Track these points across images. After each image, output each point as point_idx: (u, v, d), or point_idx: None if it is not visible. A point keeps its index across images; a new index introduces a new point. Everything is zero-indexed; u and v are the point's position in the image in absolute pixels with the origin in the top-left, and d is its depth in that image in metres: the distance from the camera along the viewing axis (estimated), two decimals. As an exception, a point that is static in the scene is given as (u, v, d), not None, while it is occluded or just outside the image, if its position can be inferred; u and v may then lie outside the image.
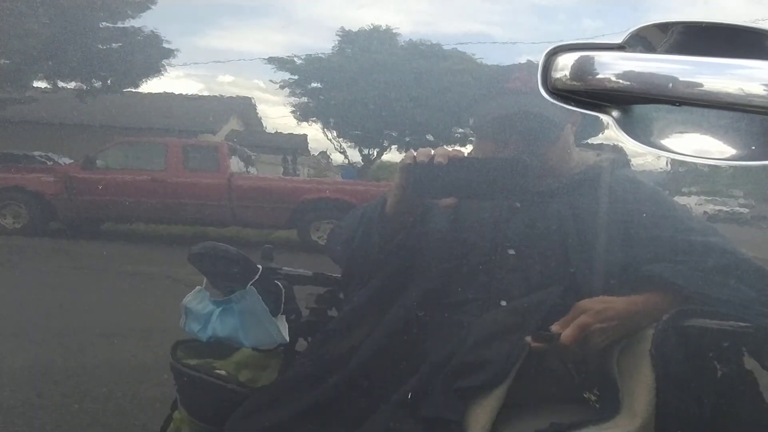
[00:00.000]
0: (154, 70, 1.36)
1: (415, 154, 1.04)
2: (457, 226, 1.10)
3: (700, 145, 0.65)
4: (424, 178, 1.03)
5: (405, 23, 1.26)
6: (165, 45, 1.34)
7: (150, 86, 1.37)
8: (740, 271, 0.94)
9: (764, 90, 0.57)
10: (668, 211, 1.03)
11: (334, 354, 1.08)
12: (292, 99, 1.34)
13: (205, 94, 1.42)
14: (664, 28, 0.67)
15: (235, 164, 1.52)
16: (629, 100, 0.64)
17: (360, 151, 1.36)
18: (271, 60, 1.31)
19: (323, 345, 1.13)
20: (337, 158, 1.38)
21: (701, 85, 0.60)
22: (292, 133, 1.39)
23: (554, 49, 0.66)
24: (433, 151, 1.02)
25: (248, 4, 1.40)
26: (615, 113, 0.65)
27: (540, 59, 0.66)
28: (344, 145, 1.36)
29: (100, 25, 1.41)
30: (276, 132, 1.42)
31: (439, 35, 1.25)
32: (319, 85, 1.38)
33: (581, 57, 0.64)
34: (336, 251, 1.19)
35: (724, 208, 1.13)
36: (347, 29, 1.24)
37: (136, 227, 1.58)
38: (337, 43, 1.26)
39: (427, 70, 1.27)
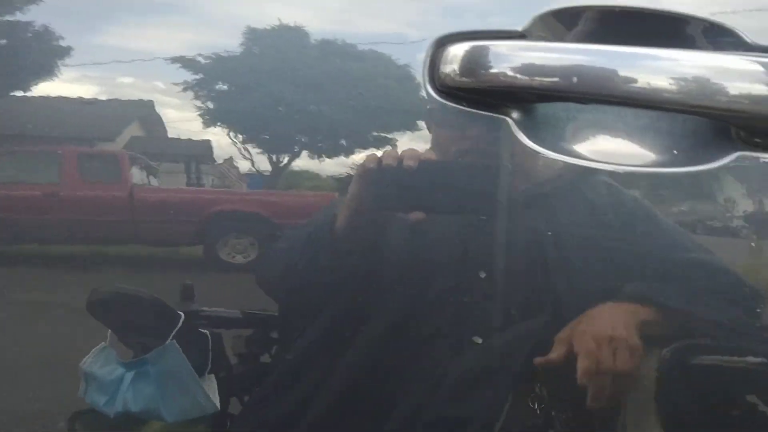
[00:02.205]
0: (46, 70, 1.27)
1: (379, 156, 0.90)
2: (420, 245, 0.95)
3: (615, 150, 0.55)
4: (390, 186, 0.89)
5: (315, 21, 1.16)
6: (59, 42, 1.25)
7: (41, 89, 1.28)
8: (733, 289, 0.86)
9: (683, 84, 0.47)
10: (651, 223, 0.92)
11: (280, 414, 0.94)
12: (197, 102, 1.23)
13: (103, 98, 1.33)
14: (575, 13, 0.57)
15: (137, 174, 1.40)
16: (530, 98, 0.54)
17: (269, 158, 1.27)
18: (173, 59, 1.22)
19: (264, 403, 0.98)
20: (244, 166, 1.28)
21: (611, 78, 0.49)
22: (194, 139, 1.28)
23: (443, 38, 0.55)
24: (400, 154, 0.88)
25: (149, -1, 1.32)
26: (514, 114, 0.54)
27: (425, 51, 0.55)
28: (252, 151, 1.25)
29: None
30: (178, 138, 1.31)
31: (352, 34, 1.16)
32: (224, 86, 1.28)
33: (473, 47, 0.53)
34: (272, 282, 1.03)
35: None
36: (254, 26, 1.15)
37: (26, 248, 1.44)
38: (243, 40, 1.16)
39: (341, 71, 1.16)
